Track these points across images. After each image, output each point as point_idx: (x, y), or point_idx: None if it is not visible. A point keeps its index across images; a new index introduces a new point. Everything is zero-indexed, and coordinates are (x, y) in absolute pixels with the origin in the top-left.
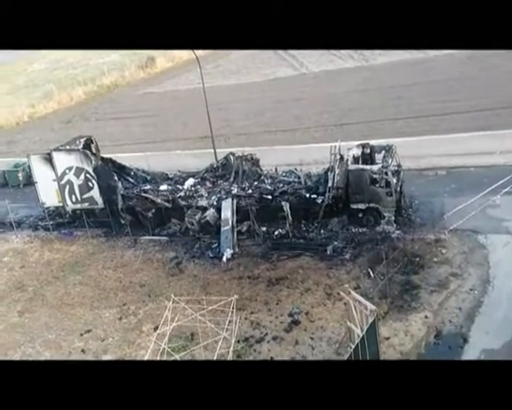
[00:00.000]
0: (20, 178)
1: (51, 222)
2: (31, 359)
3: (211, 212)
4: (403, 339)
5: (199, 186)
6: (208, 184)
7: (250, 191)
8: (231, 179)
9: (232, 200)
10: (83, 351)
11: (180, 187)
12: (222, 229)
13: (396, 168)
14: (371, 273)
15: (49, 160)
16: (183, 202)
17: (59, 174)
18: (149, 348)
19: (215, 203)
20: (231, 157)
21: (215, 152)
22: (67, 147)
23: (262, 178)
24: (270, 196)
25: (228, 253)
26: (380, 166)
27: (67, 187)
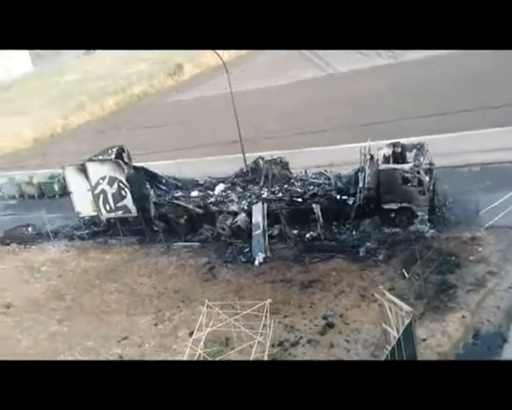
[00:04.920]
0: (56, 189)
1: (86, 231)
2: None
3: (242, 216)
4: (440, 340)
5: (229, 191)
6: (238, 188)
7: (280, 195)
8: (261, 183)
9: (263, 204)
10: (121, 357)
11: (211, 193)
12: (253, 233)
13: (428, 166)
14: (406, 274)
15: (83, 170)
16: (215, 208)
17: (93, 184)
18: (185, 354)
19: (246, 208)
20: (260, 161)
21: (244, 156)
22: (100, 157)
23: (292, 181)
24: (300, 199)
25: (260, 257)
26: (412, 164)
27: (101, 196)
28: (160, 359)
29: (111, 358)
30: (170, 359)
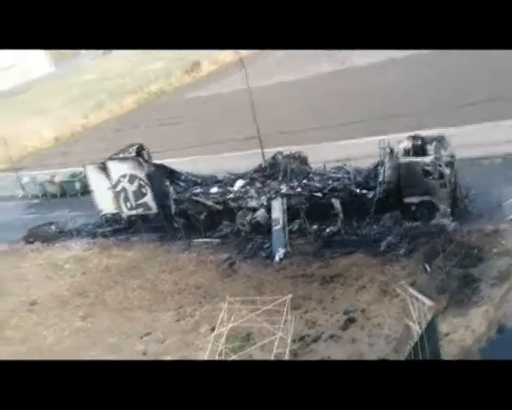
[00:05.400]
0: (78, 188)
1: (108, 229)
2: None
3: (261, 212)
4: (463, 334)
5: (248, 187)
6: (257, 184)
7: (299, 190)
8: (280, 179)
9: (282, 199)
10: (144, 354)
11: (230, 189)
12: (273, 228)
13: (449, 159)
14: (427, 268)
15: (103, 168)
16: (234, 204)
17: (114, 182)
18: (207, 349)
19: (265, 203)
20: (279, 156)
21: (263, 152)
22: (121, 155)
23: (311, 175)
24: (319, 194)
25: (280, 252)
26: (432, 157)
27: (122, 194)
28: (183, 354)
29: (134, 354)
30: (192, 354)
